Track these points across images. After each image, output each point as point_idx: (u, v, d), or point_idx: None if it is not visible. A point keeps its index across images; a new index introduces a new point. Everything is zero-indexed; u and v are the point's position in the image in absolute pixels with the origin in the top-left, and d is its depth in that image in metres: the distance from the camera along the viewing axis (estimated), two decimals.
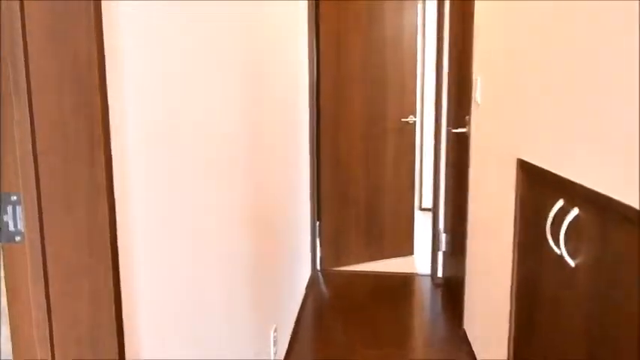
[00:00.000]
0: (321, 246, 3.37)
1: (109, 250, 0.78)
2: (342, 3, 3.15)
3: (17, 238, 0.82)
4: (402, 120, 3.41)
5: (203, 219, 1.19)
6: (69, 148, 0.77)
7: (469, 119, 2.24)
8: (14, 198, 0.82)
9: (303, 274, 3.01)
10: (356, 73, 3.25)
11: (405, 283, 3.21)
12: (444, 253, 3.10)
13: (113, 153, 0.79)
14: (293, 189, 2.57)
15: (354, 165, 3.36)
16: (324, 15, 3.11)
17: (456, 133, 2.56)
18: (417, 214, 4.71)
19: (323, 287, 3.17)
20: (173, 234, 1.03)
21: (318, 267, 3.41)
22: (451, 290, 2.83)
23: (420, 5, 3.21)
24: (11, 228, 0.82)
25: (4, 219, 0.82)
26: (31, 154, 0.77)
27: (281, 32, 2.12)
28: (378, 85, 3.31)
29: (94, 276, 0.81)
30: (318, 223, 3.33)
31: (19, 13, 0.74)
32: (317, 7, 3.10)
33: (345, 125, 3.29)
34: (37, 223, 0.80)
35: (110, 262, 0.80)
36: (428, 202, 4.88)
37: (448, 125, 2.87)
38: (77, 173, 0.77)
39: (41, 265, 0.81)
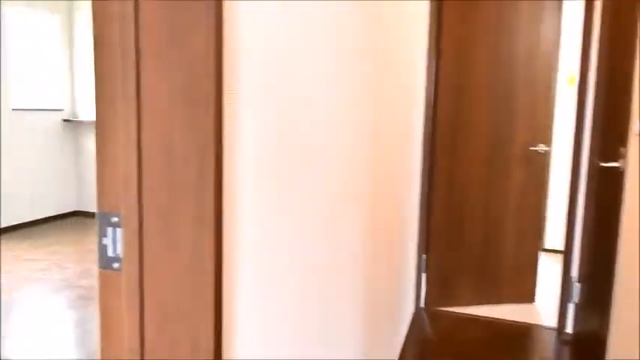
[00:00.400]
0: (426, 282, 3.17)
1: (213, 293, 0.69)
2: (469, 3, 2.95)
3: (115, 265, 0.77)
4: (531, 149, 3.12)
5: (313, 245, 1.09)
6: (176, 171, 0.69)
7: (625, 152, 1.95)
8: (115, 219, 0.76)
9: (405, 311, 2.83)
10: (480, 88, 3.04)
11: (524, 334, 2.90)
12: (576, 304, 2.75)
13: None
14: (401, 215, 2.42)
15: (471, 195, 3.13)
16: (447, 17, 2.94)
17: (605, 167, 2.26)
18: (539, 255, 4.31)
19: (427, 328, 2.96)
20: (282, 264, 0.93)
21: (422, 304, 3.20)
22: (584, 350, 2.49)
23: (563, 6, 2.87)
24: (110, 253, 0.77)
25: (103, 242, 0.77)
26: (136, 175, 0.71)
27: (399, 36, 2.00)
28: (504, 104, 3.07)
29: (194, 321, 0.72)
30: (424, 256, 3.13)
31: (132, 17, 0.69)
32: (439, 8, 2.93)
33: (464, 149, 3.08)
34: (137, 252, 0.73)
35: (212, 309, 0.71)
36: (552, 243, 4.46)
37: (592, 157, 2.56)
38: (183, 200, 0.69)
39: (137, 299, 0.74)
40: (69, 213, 5.87)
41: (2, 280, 3.86)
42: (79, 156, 5.90)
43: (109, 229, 0.77)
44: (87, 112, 5.80)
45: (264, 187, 0.84)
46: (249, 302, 0.83)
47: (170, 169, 0.70)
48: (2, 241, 4.86)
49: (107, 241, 0.77)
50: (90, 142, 5.82)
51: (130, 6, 0.69)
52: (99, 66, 0.74)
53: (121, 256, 0.76)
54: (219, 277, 0.72)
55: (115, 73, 0.72)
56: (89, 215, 5.86)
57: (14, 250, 4.60)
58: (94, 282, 3.89)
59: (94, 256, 4.46)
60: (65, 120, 5.74)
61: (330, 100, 1.14)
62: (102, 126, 0.74)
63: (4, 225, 5.12)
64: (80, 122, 5.80)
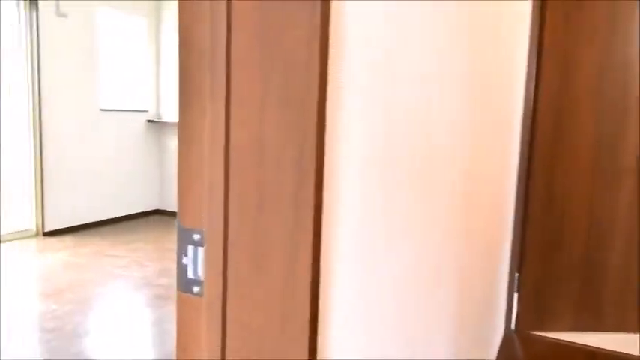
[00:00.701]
0: (519, 302, 2.92)
1: (307, 331, 0.58)
2: (575, 3, 2.69)
3: (195, 289, 0.68)
4: None
5: (417, 250, 0.96)
6: (269, 181, 0.59)
7: None
8: (197, 237, 0.67)
9: (494, 332, 2.62)
10: (586, 90, 2.76)
11: None
12: None
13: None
14: (496, 226, 2.24)
15: (573, 208, 2.85)
16: (551, 17, 2.69)
17: None
18: None
19: (519, 354, 2.72)
20: (384, 270, 0.81)
21: (513, 326, 2.96)
22: None
23: None
24: (190, 275, 0.68)
25: (184, 261, 0.68)
26: (222, 185, 0.61)
27: (500, 36, 1.84)
28: (615, 109, 2.77)
29: (285, 353, 0.61)
30: (517, 274, 2.89)
31: (225, 16, 0.60)
32: (542, 7, 2.70)
33: (565, 158, 2.81)
34: (220, 276, 0.64)
35: (307, 340, 0.60)
36: None
37: None
38: (277, 215, 0.59)
39: (220, 330, 0.64)
40: (151, 211, 6.08)
41: (87, 275, 4.02)
42: (162, 156, 6.09)
43: (190, 247, 0.68)
44: (170, 113, 5.98)
45: (367, 192, 0.73)
46: (347, 315, 0.71)
47: (262, 179, 0.59)
48: (87, 236, 5.08)
49: (187, 260, 0.68)
50: (172, 143, 5.99)
51: (223, 5, 0.59)
52: (185, 66, 0.65)
53: (202, 278, 0.67)
54: (315, 304, 0.60)
55: (202, 73, 0.63)
56: (170, 214, 6.03)
57: (98, 245, 4.80)
58: (171, 281, 3.96)
59: (174, 255, 4.55)
60: (149, 121, 5.94)
61: (433, 100, 1.02)
62: (186, 130, 0.65)
63: (91, 220, 5.36)
64: (164, 123, 5.99)
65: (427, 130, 1.01)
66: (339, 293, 0.66)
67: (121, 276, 4.08)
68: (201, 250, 0.67)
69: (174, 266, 4.28)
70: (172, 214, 6.01)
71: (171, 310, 3.46)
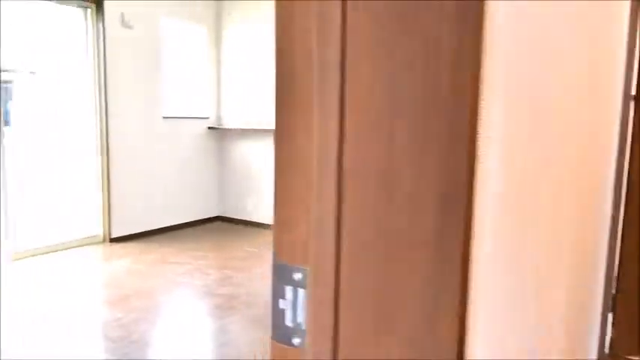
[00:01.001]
0: (614, 324, 2.67)
1: None
2: None
3: (296, 341, 0.56)
4: None
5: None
6: (395, 212, 0.47)
7: None
8: (298, 276, 0.56)
9: (587, 356, 2.38)
10: None
11: None
12: None
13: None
14: (591, 240, 2.04)
15: None
16: None
17: None
18: None
19: None
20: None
21: (607, 350, 2.70)
22: None
23: None
24: (288, 322, 0.56)
25: (280, 305, 0.57)
26: (333, 215, 0.50)
27: (597, 41, 1.67)
28: None
29: None
30: (613, 292, 2.64)
31: (339, 18, 0.48)
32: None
33: None
34: (330, 327, 0.52)
35: None
36: None
37: None
38: (407, 256, 0.46)
39: None
40: (213, 218, 6.11)
41: (151, 283, 4.05)
42: (223, 162, 6.11)
43: (288, 289, 0.56)
44: (231, 119, 5.99)
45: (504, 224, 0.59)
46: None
47: (387, 209, 0.47)
48: (152, 242, 5.15)
49: (285, 304, 0.57)
50: (233, 149, 6.00)
51: (337, 7, 0.48)
52: (283, 67, 0.54)
53: (304, 327, 0.55)
54: None
55: (307, 78, 0.51)
56: (231, 221, 6.04)
57: (162, 252, 4.84)
58: (232, 290, 3.91)
59: (235, 264, 4.52)
60: (210, 127, 5.98)
61: (566, 104, 0.88)
62: (285, 146, 0.54)
63: (155, 227, 5.44)
64: (225, 130, 6.01)
65: (564, 131, 0.88)
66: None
67: (182, 284, 4.09)
68: (302, 292, 0.56)
69: (235, 275, 4.25)
70: (233, 221, 6.02)
71: (232, 320, 3.41)
